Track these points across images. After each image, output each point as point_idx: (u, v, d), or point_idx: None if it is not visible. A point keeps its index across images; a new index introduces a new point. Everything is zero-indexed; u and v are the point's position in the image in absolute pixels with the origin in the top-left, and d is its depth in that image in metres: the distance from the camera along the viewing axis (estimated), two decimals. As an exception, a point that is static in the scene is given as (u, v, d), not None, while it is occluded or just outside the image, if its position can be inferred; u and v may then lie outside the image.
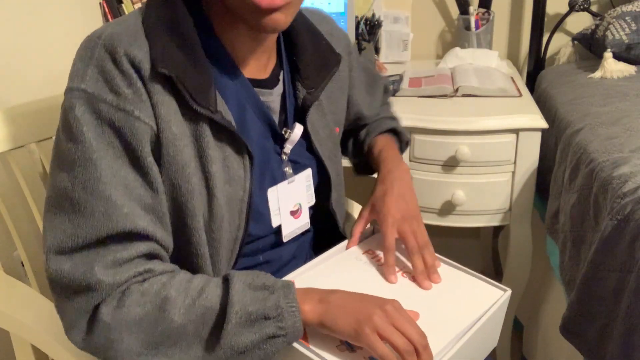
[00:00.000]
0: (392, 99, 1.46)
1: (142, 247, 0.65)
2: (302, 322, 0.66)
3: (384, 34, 1.74)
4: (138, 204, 0.65)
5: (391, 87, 1.49)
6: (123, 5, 1.59)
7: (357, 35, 1.61)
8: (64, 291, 0.64)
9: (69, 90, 0.65)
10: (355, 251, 0.86)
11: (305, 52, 0.80)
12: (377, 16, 1.65)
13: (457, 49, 1.68)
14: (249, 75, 0.75)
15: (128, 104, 0.64)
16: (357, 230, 0.88)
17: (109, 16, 1.60)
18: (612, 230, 0.89)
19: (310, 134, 0.82)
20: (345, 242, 0.88)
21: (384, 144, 0.98)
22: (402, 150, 1.07)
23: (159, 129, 0.66)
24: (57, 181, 0.65)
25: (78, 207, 0.63)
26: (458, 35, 1.75)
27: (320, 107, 0.84)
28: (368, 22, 1.63)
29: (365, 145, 1.01)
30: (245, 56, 0.74)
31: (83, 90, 0.64)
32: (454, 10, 1.79)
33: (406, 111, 1.36)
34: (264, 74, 0.77)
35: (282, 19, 0.67)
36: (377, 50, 1.71)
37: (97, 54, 0.65)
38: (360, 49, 1.51)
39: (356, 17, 1.64)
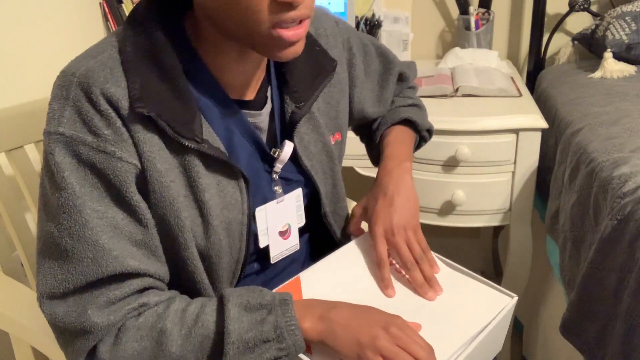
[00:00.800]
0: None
1: (135, 284, 0.65)
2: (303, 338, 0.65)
3: (384, 34, 1.74)
4: (129, 241, 0.65)
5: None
6: (123, 5, 1.59)
7: (357, 35, 1.61)
8: (62, 333, 0.65)
9: (47, 134, 0.64)
10: (359, 258, 0.84)
11: (294, 64, 0.77)
12: (377, 16, 1.65)
13: (457, 49, 1.68)
14: (236, 97, 0.73)
15: (109, 145, 0.62)
16: (354, 229, 0.87)
17: (109, 16, 1.60)
18: (612, 230, 0.88)
19: (298, 151, 0.78)
20: (345, 246, 0.86)
21: (392, 139, 0.93)
22: (424, 140, 1.02)
23: (144, 167, 0.64)
24: (45, 226, 0.64)
25: (66, 253, 0.63)
26: (458, 35, 1.75)
27: (312, 120, 0.80)
28: (368, 22, 1.63)
29: (377, 138, 0.96)
30: (234, 78, 0.72)
31: (61, 134, 0.62)
32: (454, 10, 1.78)
33: (406, 111, 1.36)
34: (252, 94, 0.75)
35: (301, 47, 0.66)
36: (377, 50, 1.71)
37: (73, 94, 0.63)
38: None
39: (356, 17, 1.64)
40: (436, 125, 1.32)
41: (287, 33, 0.63)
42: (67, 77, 0.64)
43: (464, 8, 1.70)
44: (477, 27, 1.69)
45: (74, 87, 0.63)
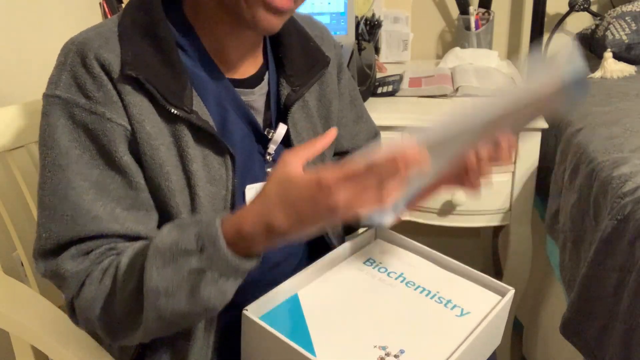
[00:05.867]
0: (392, 99, 1.47)
1: (111, 243, 0.68)
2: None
3: (384, 34, 1.74)
4: (118, 205, 0.67)
5: (392, 87, 1.49)
6: (123, 4, 1.59)
7: (357, 35, 1.61)
8: (56, 285, 0.69)
9: (45, 97, 0.68)
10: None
11: (291, 50, 0.80)
12: (377, 16, 1.65)
13: (457, 49, 1.68)
14: (230, 75, 0.75)
15: (99, 106, 0.66)
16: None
17: (109, 16, 1.60)
18: (612, 230, 0.88)
19: (291, 135, 0.80)
20: (341, 247, 0.86)
21: None
22: None
23: (133, 129, 0.67)
24: (38, 184, 0.68)
25: (48, 211, 0.67)
26: (458, 35, 1.75)
27: (306, 109, 0.83)
28: (368, 22, 1.63)
29: None
30: (228, 55, 0.75)
31: (57, 97, 0.66)
32: (454, 10, 1.78)
33: (406, 111, 1.36)
34: (247, 73, 0.78)
35: (278, 24, 0.69)
36: (377, 50, 1.71)
37: (70, 60, 0.67)
38: (360, 49, 1.51)
39: (356, 17, 1.63)
40: (436, 125, 1.32)
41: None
42: (67, 46, 0.69)
43: (464, 8, 1.70)
44: (477, 27, 1.69)
45: (72, 54, 0.67)
